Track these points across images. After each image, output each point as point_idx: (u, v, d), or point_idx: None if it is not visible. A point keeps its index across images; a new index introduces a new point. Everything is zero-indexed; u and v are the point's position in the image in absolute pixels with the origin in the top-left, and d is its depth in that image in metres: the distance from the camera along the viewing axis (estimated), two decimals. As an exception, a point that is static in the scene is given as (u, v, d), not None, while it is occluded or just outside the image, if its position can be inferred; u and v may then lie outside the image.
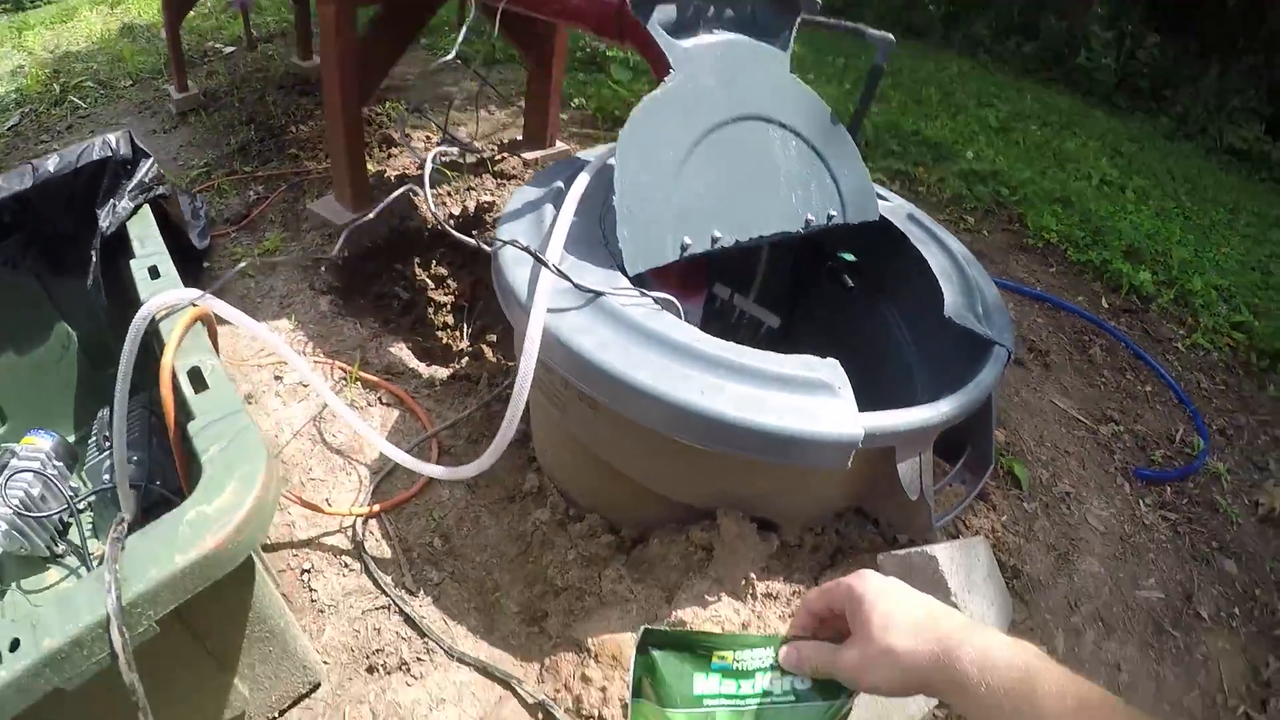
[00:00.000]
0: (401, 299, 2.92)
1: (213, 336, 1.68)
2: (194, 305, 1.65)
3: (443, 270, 3.00)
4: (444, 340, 2.79)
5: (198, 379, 1.51)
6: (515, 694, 1.87)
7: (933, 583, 1.78)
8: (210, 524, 1.10)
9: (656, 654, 1.58)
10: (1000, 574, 2.03)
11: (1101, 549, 2.58)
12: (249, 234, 3.21)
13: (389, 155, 3.67)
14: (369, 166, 3.21)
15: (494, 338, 2.63)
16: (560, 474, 2.18)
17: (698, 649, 1.59)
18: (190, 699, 1.42)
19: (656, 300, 1.77)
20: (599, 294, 1.74)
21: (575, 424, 1.89)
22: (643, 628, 1.58)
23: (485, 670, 1.90)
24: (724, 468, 1.73)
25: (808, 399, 1.60)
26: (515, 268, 1.86)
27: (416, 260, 2.94)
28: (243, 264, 2.75)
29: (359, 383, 2.52)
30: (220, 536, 1.09)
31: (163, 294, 1.64)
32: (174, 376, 1.50)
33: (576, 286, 1.76)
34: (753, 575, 1.74)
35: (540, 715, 1.83)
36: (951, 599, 1.78)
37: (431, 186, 2.82)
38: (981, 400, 1.83)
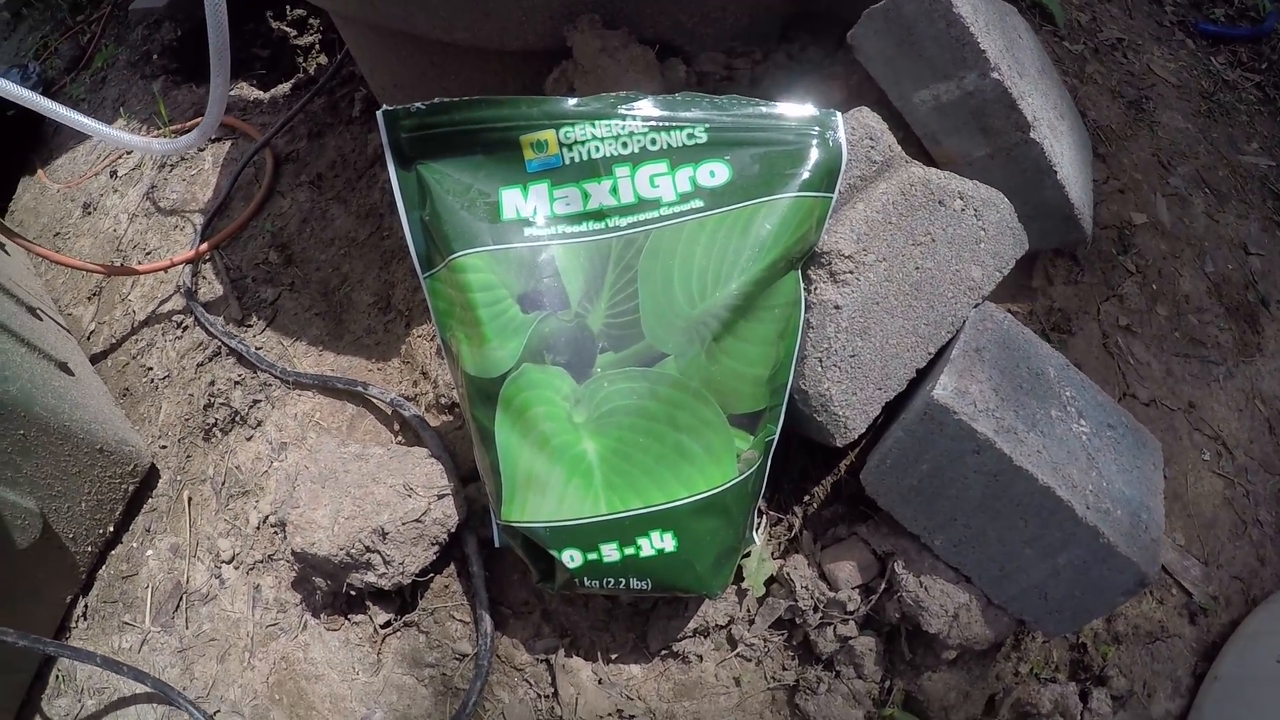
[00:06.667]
0: (262, 58, 2.04)
1: None
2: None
3: (300, 10, 2.12)
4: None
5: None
6: (366, 404, 1.12)
7: (949, 48, 0.86)
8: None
9: (430, 169, 0.73)
10: (1059, 74, 1.09)
11: (1180, 103, 1.64)
12: (87, 71, 2.47)
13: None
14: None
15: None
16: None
17: (492, 135, 0.74)
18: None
19: None
20: None
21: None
22: (379, 112, 0.75)
23: (328, 388, 1.13)
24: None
25: None
26: None
27: (268, 13, 2.05)
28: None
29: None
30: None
31: None
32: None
33: None
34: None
35: (396, 423, 1.03)
36: (992, 75, 0.87)
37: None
38: None
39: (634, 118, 0.71)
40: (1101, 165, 1.37)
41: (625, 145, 0.70)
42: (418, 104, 0.72)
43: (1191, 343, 1.29)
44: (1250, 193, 1.61)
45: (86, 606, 1.21)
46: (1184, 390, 1.24)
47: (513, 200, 0.70)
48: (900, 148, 0.84)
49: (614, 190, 0.70)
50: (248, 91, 1.86)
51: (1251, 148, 1.72)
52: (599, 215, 0.70)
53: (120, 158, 1.94)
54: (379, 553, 0.81)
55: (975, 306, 0.84)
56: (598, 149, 0.70)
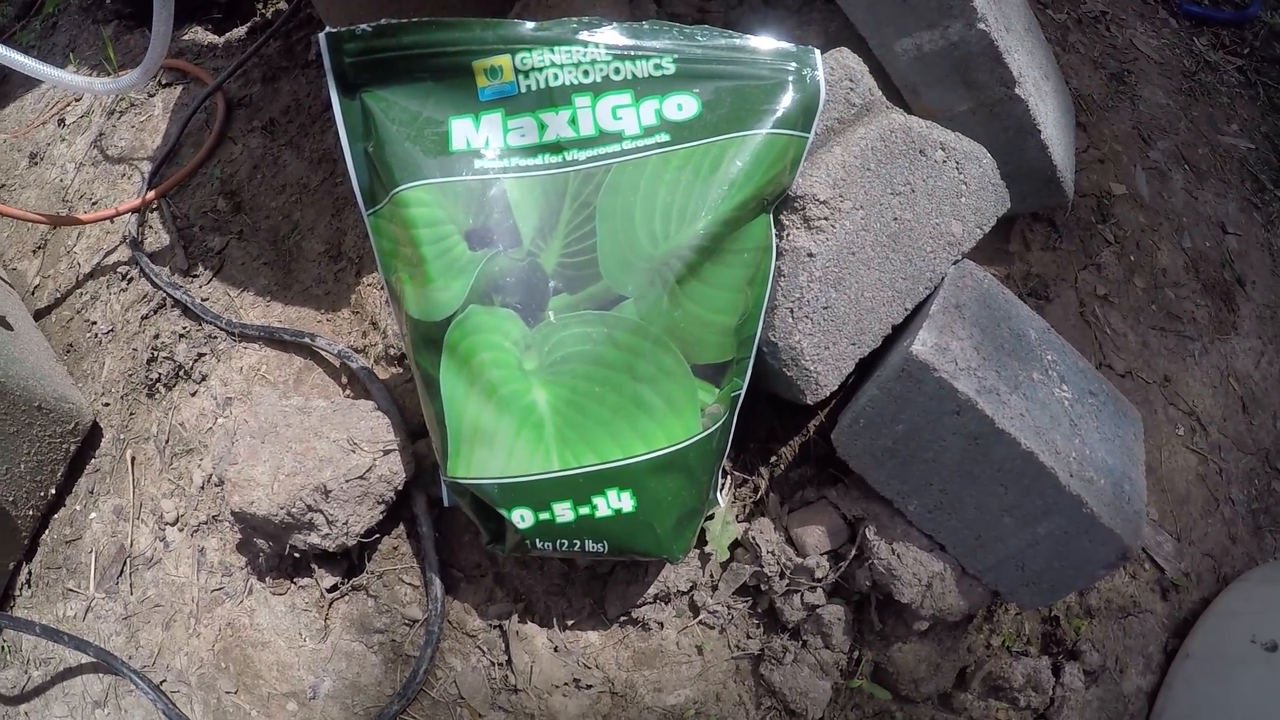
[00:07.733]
0: (220, 3, 1.93)
1: None
2: None
3: (261, -52, 2.00)
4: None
5: None
6: (315, 356, 1.06)
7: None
8: None
9: (376, 97, 0.68)
10: (1044, 35, 1.04)
11: (1162, 80, 1.60)
12: (38, 18, 2.33)
13: None
14: None
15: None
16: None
17: (442, 60, 0.68)
18: None
19: None
20: None
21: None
22: (321, 35, 0.68)
23: (275, 339, 1.07)
24: None
25: None
26: None
27: (225, -49, 1.94)
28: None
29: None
30: None
31: None
32: None
33: None
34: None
35: (344, 376, 0.97)
36: (979, 25, 0.82)
37: None
38: None
39: (597, 45, 0.65)
40: (1082, 134, 1.33)
41: (586, 74, 0.64)
42: (363, 26, 0.66)
43: (1168, 317, 1.26)
44: (1229, 173, 1.58)
45: (30, 573, 1.13)
46: (1160, 364, 1.21)
47: (463, 130, 0.64)
48: (880, 92, 0.79)
49: (573, 121, 0.64)
50: (202, 36, 1.76)
51: (1231, 129, 1.69)
52: (556, 148, 0.64)
53: (69, 105, 1.83)
54: (322, 512, 0.76)
55: (954, 263, 0.79)
56: (556, 77, 0.64)
